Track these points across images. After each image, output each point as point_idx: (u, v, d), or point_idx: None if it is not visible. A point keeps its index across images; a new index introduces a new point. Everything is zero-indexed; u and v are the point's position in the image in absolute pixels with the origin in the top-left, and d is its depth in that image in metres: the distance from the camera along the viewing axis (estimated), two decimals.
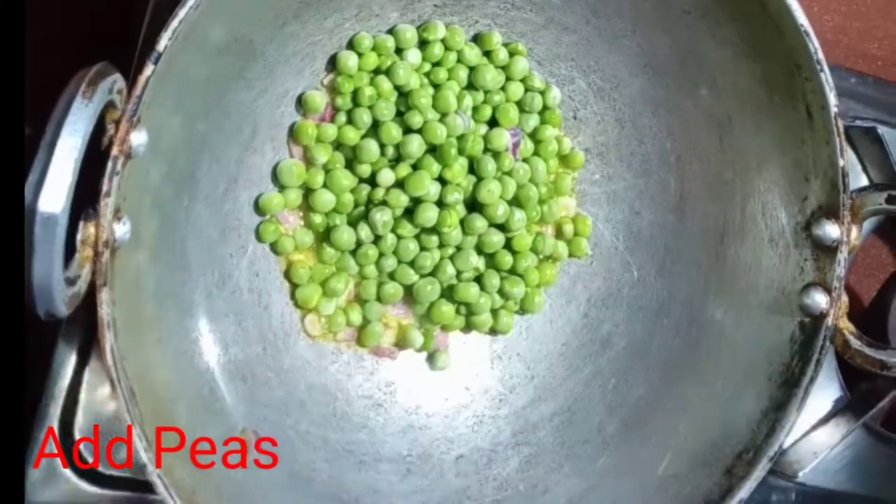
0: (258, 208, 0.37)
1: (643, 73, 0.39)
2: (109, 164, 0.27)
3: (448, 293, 0.38)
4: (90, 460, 0.34)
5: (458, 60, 0.39)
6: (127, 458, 0.34)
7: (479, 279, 0.39)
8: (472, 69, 0.39)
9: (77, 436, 0.34)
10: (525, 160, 0.39)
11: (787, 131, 0.34)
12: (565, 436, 0.39)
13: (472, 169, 0.38)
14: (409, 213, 0.37)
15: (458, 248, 0.38)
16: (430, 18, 0.38)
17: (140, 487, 0.34)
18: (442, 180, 0.37)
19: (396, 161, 0.38)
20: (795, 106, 0.34)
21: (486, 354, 0.40)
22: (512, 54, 0.39)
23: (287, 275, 0.38)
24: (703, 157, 0.39)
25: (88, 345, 0.35)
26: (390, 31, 0.38)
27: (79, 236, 0.27)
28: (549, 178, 0.40)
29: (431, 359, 0.40)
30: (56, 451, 0.34)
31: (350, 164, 0.38)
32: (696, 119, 0.38)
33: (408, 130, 0.37)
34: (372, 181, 0.38)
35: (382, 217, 0.36)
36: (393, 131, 0.37)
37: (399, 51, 0.38)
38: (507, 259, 0.38)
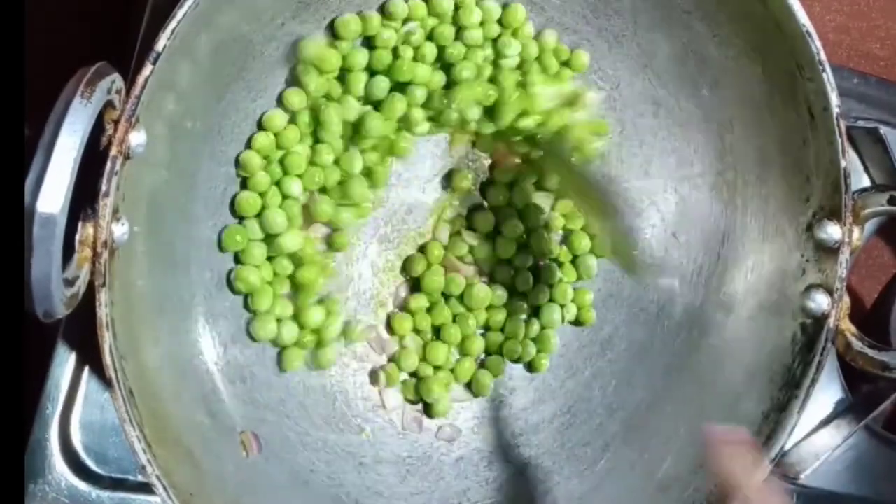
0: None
1: (643, 74, 0.39)
2: (108, 164, 0.27)
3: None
4: (89, 461, 0.34)
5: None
6: (126, 459, 0.34)
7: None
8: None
9: (76, 436, 0.34)
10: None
11: (788, 132, 0.34)
12: (565, 437, 0.39)
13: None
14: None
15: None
16: None
17: (139, 488, 0.34)
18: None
19: None
20: (797, 106, 0.33)
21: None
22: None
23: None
24: (705, 158, 0.38)
25: (87, 345, 0.35)
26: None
27: (77, 237, 0.27)
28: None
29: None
30: (55, 452, 0.34)
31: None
32: (696, 120, 0.38)
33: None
34: None
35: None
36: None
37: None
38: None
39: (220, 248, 0.35)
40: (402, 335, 0.38)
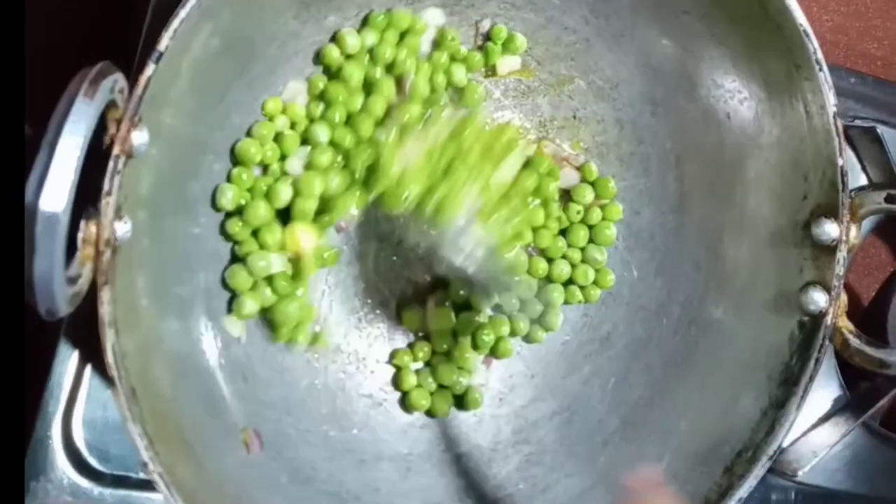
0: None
1: (642, 73, 0.39)
2: (111, 163, 0.27)
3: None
4: (91, 458, 0.34)
5: None
6: (128, 456, 0.34)
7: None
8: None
9: (78, 434, 0.34)
10: None
11: (786, 131, 0.35)
12: (565, 434, 0.39)
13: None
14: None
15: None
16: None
17: (141, 486, 0.34)
18: None
19: None
20: (794, 105, 0.34)
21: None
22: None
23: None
24: (703, 157, 0.39)
25: (89, 343, 0.35)
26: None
27: (80, 235, 0.27)
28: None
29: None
30: (57, 450, 0.34)
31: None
32: (695, 119, 0.38)
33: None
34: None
35: None
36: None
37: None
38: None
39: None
40: None
